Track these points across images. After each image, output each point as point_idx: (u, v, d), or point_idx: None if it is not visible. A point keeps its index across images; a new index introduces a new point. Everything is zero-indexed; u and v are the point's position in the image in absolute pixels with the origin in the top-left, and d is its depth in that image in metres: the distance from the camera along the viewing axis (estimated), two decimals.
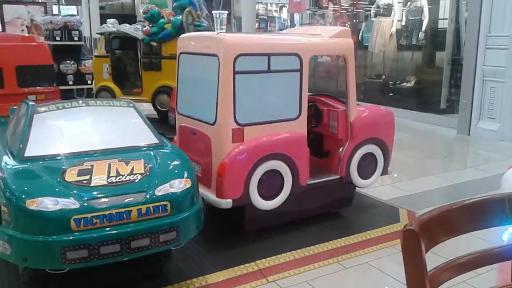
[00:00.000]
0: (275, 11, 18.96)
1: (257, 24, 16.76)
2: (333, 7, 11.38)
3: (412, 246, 1.12)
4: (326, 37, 3.88)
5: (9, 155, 2.88)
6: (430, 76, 9.68)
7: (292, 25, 13.75)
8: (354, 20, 11.17)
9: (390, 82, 10.28)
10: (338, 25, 10.99)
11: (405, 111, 8.90)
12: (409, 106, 9.23)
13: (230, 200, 3.43)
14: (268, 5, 18.91)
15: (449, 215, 1.25)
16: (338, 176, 3.99)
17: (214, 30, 6.95)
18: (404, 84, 9.86)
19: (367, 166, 4.12)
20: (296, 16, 13.23)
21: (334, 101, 4.16)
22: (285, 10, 16.60)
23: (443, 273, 1.21)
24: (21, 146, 2.84)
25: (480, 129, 7.51)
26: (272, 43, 3.67)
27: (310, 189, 3.80)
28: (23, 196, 2.43)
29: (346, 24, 11.24)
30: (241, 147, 3.44)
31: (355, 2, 10.83)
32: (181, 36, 4.14)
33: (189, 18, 7.12)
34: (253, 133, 3.49)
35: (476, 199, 1.33)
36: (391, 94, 10.15)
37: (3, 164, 2.78)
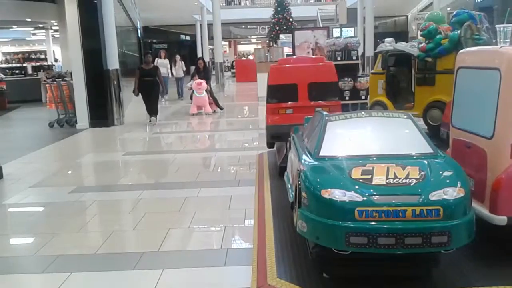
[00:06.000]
0: None
1: None
2: None
3: None
4: None
5: (307, 154, 3.58)
6: None
7: None
8: None
9: None
10: None
11: None
12: None
13: (505, 217, 3.35)
14: None
15: None
16: None
17: (495, 43, 6.60)
18: None
19: None
20: None
21: None
22: None
23: None
24: (317, 147, 3.50)
25: None
26: None
27: None
28: (318, 186, 3.02)
29: None
30: None
31: None
32: (461, 51, 4.22)
33: (468, 32, 6.96)
34: None
35: None
36: None
37: (303, 160, 3.49)
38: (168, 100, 16.91)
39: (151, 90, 11.55)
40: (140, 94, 11.70)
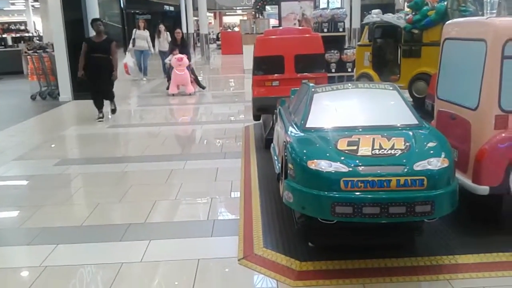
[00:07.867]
0: None
1: None
2: None
3: None
4: None
5: (294, 125, 3.58)
6: None
7: None
8: None
9: None
10: None
11: None
12: None
13: (487, 187, 3.42)
14: None
15: None
16: None
17: (481, 15, 6.61)
18: None
19: None
20: None
21: None
22: None
23: None
24: (303, 118, 3.50)
25: None
26: None
27: None
28: (305, 158, 3.04)
29: None
30: (503, 134, 3.38)
31: None
32: (448, 22, 4.22)
33: (455, 3, 6.95)
34: None
35: None
36: None
37: (289, 132, 3.49)
38: (148, 79, 14.73)
39: (102, 69, 8.20)
40: (87, 76, 8.28)
